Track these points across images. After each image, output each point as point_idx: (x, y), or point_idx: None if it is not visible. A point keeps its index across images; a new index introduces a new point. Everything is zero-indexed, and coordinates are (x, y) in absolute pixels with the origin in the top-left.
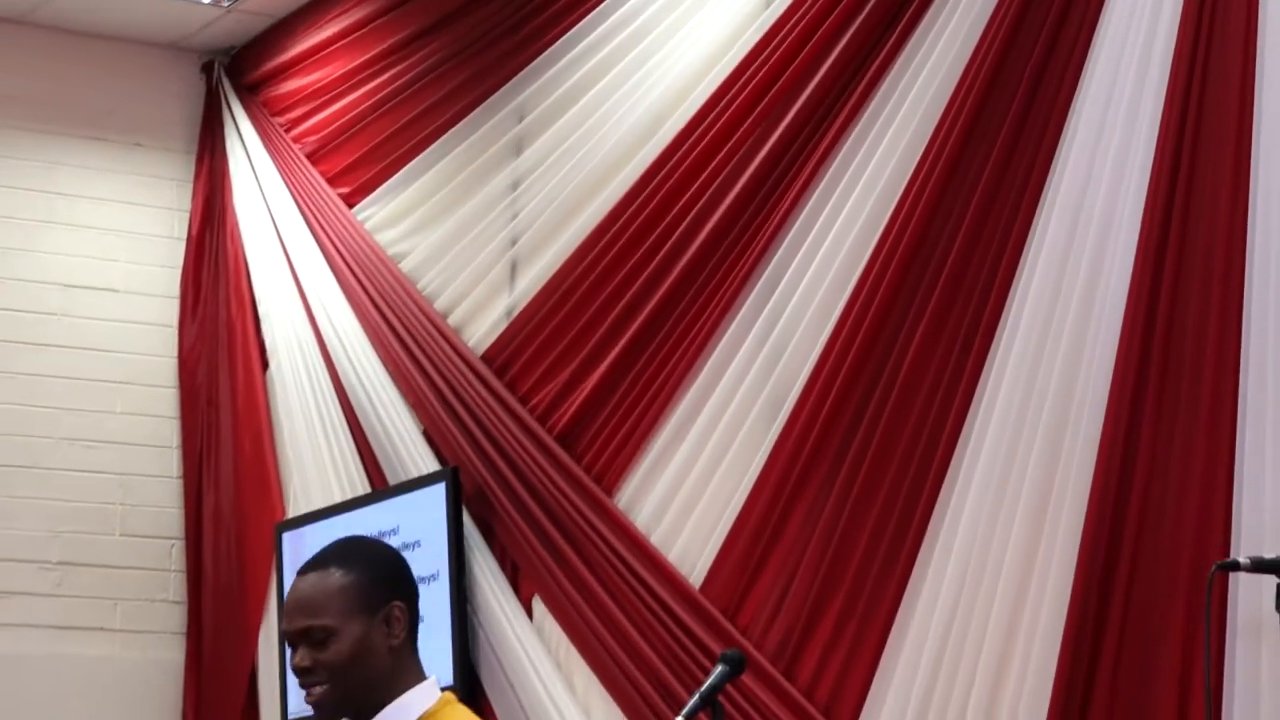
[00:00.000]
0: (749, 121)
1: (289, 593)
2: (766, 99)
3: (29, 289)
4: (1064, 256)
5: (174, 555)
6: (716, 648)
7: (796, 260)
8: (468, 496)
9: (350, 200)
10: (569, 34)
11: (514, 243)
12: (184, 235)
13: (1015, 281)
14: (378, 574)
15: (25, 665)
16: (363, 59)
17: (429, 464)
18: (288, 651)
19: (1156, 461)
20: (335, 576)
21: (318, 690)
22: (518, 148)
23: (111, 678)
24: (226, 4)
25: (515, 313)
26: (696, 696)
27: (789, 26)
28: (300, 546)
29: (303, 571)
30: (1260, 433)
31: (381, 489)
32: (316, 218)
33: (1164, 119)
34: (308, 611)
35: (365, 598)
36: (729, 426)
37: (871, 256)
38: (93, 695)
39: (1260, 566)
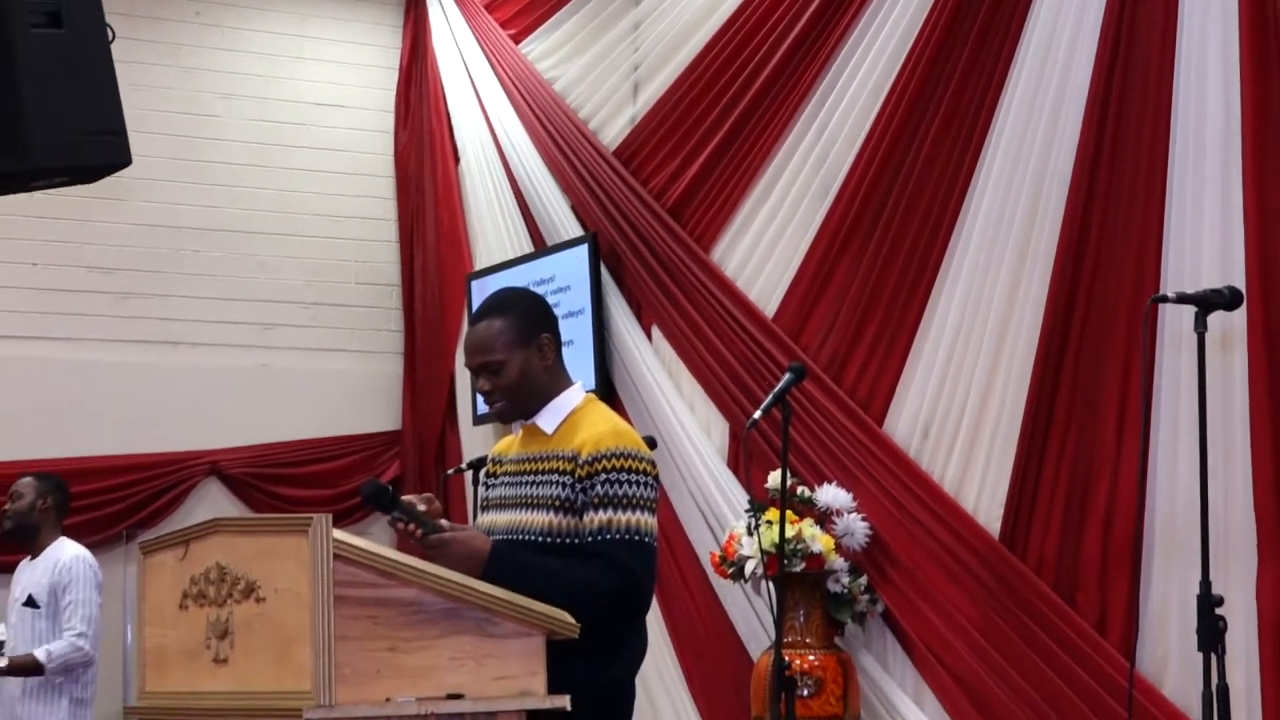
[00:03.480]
0: None
1: (465, 337)
2: None
3: (285, 106)
4: (1038, 80)
5: (394, 297)
6: (784, 361)
7: (839, 83)
8: (604, 253)
9: (516, 39)
10: None
11: (636, 69)
12: (396, 65)
13: (1002, 97)
14: (528, 316)
15: (290, 376)
16: None
17: (575, 230)
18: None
19: (1106, 222)
20: (498, 323)
21: (497, 405)
22: None
23: (350, 385)
24: None
25: (637, 120)
26: (770, 396)
27: None
28: (484, 290)
29: (473, 321)
30: (1183, 201)
31: (541, 249)
32: (492, 51)
33: None
34: (482, 350)
35: (521, 335)
36: (793, 201)
37: (895, 80)
38: (337, 398)
39: (1183, 299)
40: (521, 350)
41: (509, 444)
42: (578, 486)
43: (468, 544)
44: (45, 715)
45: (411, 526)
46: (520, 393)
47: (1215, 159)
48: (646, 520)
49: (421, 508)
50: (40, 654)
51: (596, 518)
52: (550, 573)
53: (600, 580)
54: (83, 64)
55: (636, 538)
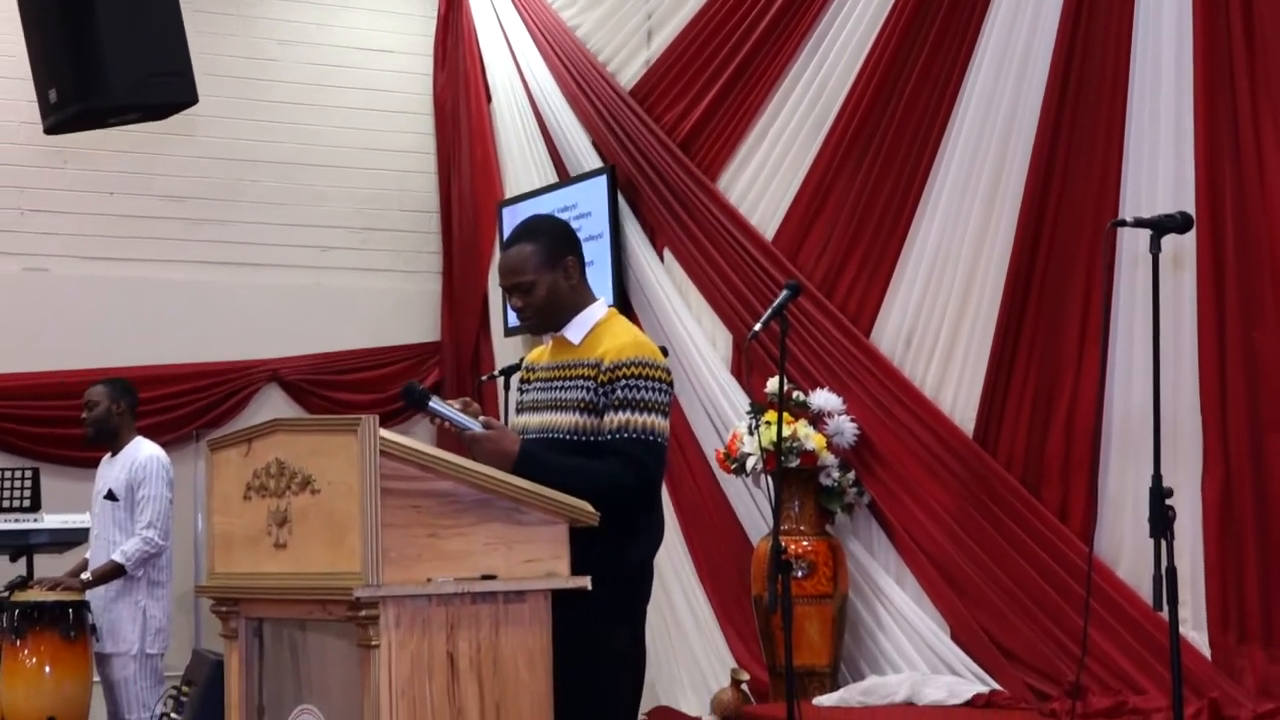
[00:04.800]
0: None
1: (499, 260)
2: None
3: (335, 51)
4: (1010, 25)
5: (433, 223)
6: (781, 278)
7: (833, 28)
8: (621, 183)
9: None
10: None
11: (649, 16)
12: (435, 14)
13: (978, 42)
14: (554, 241)
15: (341, 294)
16: None
17: (595, 162)
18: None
19: (1072, 153)
20: (528, 248)
21: (529, 320)
22: None
23: (395, 301)
24: None
25: (651, 63)
26: (769, 311)
27: None
28: (514, 216)
29: (505, 246)
30: (1140, 137)
31: (565, 179)
32: (520, 1)
33: None
34: (514, 272)
35: (549, 258)
36: (791, 135)
37: (882, 26)
38: (383, 312)
39: (1140, 223)
40: (549, 271)
41: (540, 353)
42: (600, 390)
43: (498, 444)
44: (126, 595)
45: (447, 425)
46: (549, 309)
47: (1169, 96)
48: (660, 422)
49: (457, 407)
50: (117, 556)
51: (616, 418)
52: (573, 469)
53: (618, 474)
54: (152, 12)
55: (651, 437)
